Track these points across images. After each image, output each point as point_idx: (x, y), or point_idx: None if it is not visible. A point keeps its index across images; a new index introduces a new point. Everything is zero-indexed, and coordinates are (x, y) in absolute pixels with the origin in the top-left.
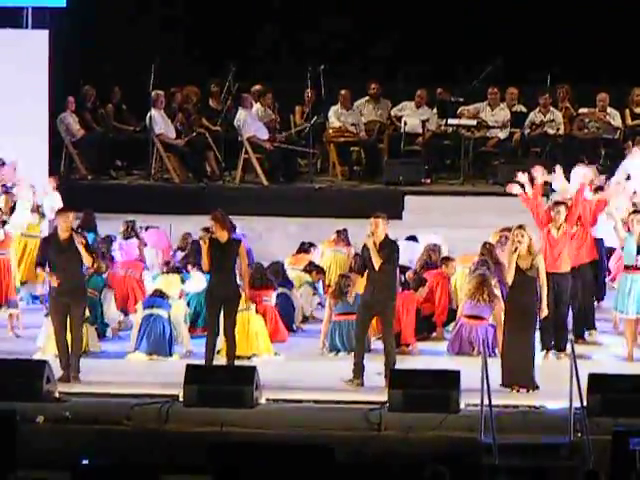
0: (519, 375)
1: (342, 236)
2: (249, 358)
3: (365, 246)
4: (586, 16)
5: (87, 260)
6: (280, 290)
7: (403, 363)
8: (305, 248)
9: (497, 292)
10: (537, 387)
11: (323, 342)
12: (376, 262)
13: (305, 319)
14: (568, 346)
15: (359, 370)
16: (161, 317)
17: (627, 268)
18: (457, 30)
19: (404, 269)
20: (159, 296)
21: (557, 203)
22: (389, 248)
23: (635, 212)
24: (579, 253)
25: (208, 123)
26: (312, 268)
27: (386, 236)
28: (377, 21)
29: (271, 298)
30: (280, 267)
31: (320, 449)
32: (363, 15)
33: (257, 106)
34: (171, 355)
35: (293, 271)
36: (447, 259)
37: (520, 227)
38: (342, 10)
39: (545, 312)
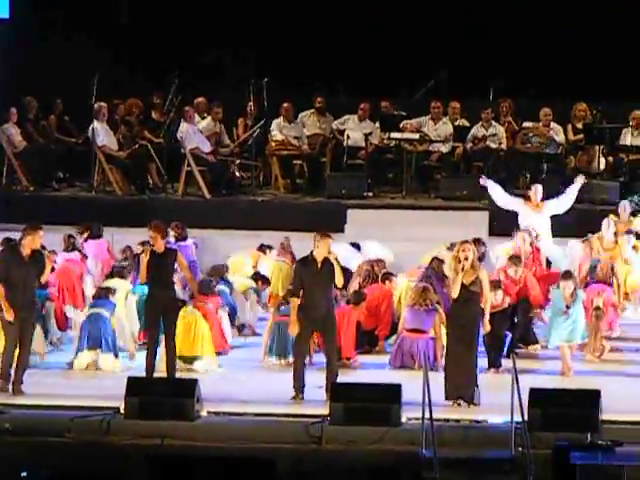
0: (461, 389)
1: (286, 247)
2: (192, 360)
3: (302, 264)
4: (530, 31)
5: (45, 277)
6: (220, 288)
7: (345, 376)
8: (263, 248)
9: (437, 303)
10: (478, 402)
11: (265, 353)
12: (339, 281)
13: (243, 327)
14: (509, 361)
15: (299, 386)
16: (102, 316)
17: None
18: (401, 43)
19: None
20: (104, 296)
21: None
22: (330, 266)
23: (565, 278)
24: None
25: (150, 135)
26: (258, 277)
27: (326, 255)
28: (321, 34)
29: (214, 304)
30: (222, 268)
31: (261, 462)
32: (306, 28)
33: (208, 119)
34: (116, 355)
35: (239, 278)
36: (389, 274)
37: (465, 242)
38: (285, 24)
39: (488, 327)
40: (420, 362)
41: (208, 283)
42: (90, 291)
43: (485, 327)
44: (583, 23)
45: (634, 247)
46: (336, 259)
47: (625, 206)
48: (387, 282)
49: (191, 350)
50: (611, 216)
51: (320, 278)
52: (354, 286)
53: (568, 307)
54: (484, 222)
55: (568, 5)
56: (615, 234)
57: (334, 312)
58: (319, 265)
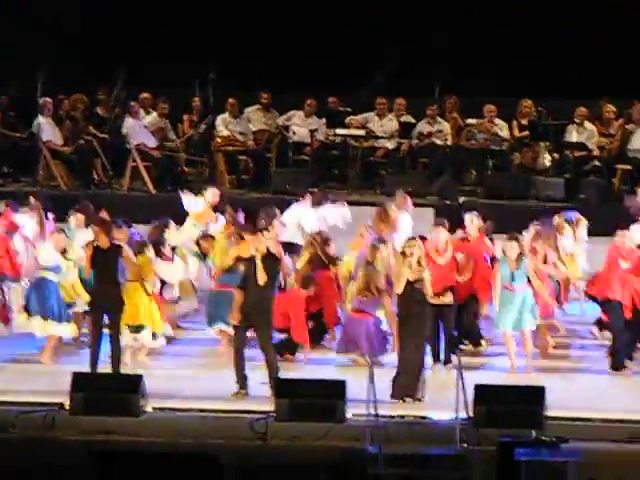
0: (407, 389)
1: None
2: (137, 328)
3: (247, 259)
4: (475, 28)
5: None
6: None
7: (291, 372)
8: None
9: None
10: (422, 398)
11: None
12: (261, 278)
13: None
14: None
15: (242, 381)
16: (50, 280)
17: (505, 287)
18: (347, 40)
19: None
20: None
21: None
22: (272, 262)
23: (510, 238)
24: None
25: (95, 130)
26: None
27: (268, 249)
28: (267, 30)
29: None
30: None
31: (206, 458)
32: (252, 24)
33: (153, 115)
34: (60, 321)
35: (182, 246)
36: (335, 259)
37: (412, 239)
38: (231, 19)
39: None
40: (363, 349)
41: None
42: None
43: None
44: (529, 20)
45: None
46: (264, 257)
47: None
48: (332, 267)
49: (135, 319)
50: None
51: (254, 274)
52: (299, 265)
53: (514, 278)
54: (429, 218)
55: (513, 2)
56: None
57: (268, 308)
58: (262, 263)
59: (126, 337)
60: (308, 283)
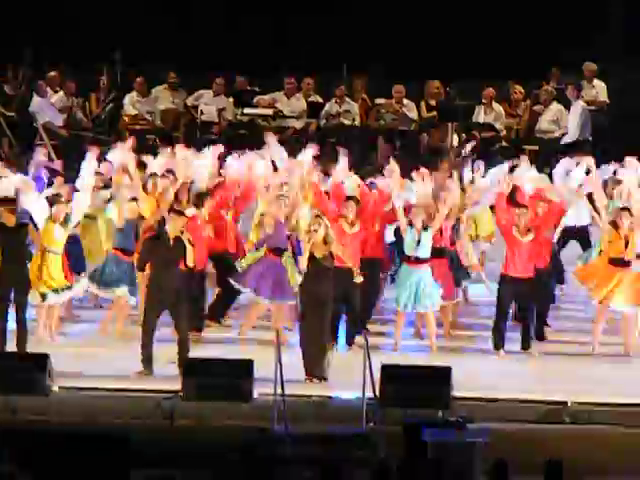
0: (313, 365)
1: None
2: (43, 296)
3: (154, 239)
4: (385, 8)
5: None
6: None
7: (199, 351)
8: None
9: None
10: (327, 377)
11: None
12: (169, 258)
13: None
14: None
15: (147, 360)
16: None
17: (407, 259)
18: (256, 19)
19: None
20: None
21: None
22: (181, 244)
23: (415, 205)
24: None
25: (3, 109)
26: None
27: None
28: (176, 8)
29: None
30: None
31: (114, 438)
32: (162, 2)
33: (60, 94)
34: None
35: None
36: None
37: (317, 216)
38: None
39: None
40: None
41: None
42: None
43: None
44: (437, 2)
45: None
46: (189, 239)
47: None
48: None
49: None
50: None
51: (170, 256)
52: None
53: (419, 241)
54: None
55: None
56: None
57: (181, 287)
58: (171, 242)
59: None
60: None
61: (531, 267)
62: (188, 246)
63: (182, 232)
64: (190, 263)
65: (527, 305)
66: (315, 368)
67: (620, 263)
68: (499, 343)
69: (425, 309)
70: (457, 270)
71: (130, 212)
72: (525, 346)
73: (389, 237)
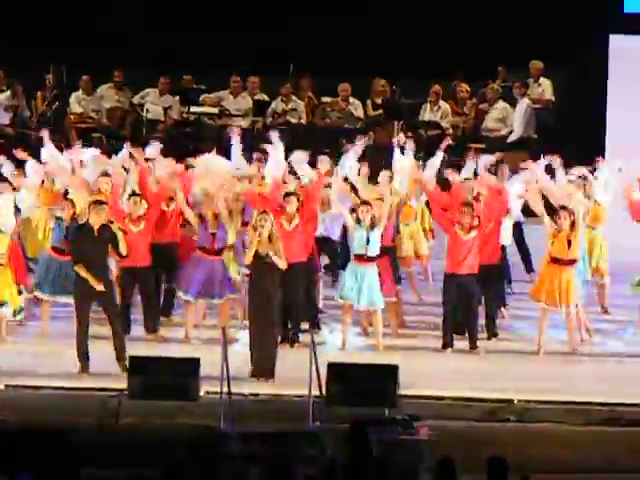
0: (260, 364)
1: None
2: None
3: (78, 230)
4: (332, 6)
5: None
6: None
7: (147, 349)
8: None
9: None
10: (272, 376)
11: None
12: (95, 248)
13: None
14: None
15: (82, 357)
16: None
17: (357, 258)
18: (203, 17)
19: None
20: None
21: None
22: (110, 234)
23: (363, 203)
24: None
25: None
26: None
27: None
28: (122, 7)
29: None
30: None
31: (57, 436)
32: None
33: (7, 93)
34: None
35: None
36: None
37: (264, 212)
38: None
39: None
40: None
41: None
42: None
43: None
44: None
45: None
46: (120, 228)
47: None
48: None
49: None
50: None
51: (96, 246)
52: None
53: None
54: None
55: None
56: None
57: (112, 281)
58: (95, 232)
59: None
60: None
61: (476, 264)
62: (119, 233)
63: (111, 222)
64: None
65: (471, 304)
66: (263, 367)
67: (562, 262)
68: (448, 342)
69: (372, 305)
70: (397, 267)
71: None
72: (472, 345)
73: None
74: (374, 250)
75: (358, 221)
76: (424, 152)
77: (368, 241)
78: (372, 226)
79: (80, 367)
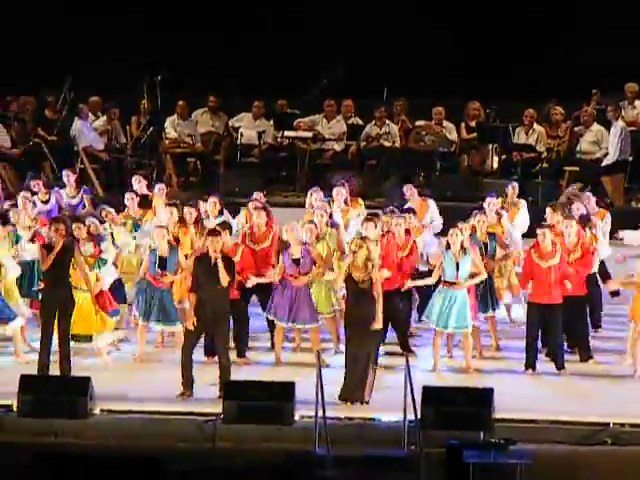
0: (354, 392)
1: None
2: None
3: (198, 260)
4: (421, 30)
5: None
6: None
7: (239, 374)
8: None
9: None
10: (369, 400)
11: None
12: (223, 279)
13: None
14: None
15: (187, 382)
16: None
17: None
18: (296, 42)
19: None
20: None
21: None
22: (230, 264)
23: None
24: None
25: (44, 133)
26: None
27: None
28: (215, 33)
29: None
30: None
31: (152, 461)
32: (202, 26)
33: (103, 118)
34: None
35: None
36: None
37: (361, 238)
38: (180, 21)
39: (379, 325)
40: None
41: None
42: None
43: (375, 324)
44: (478, 21)
45: None
46: (228, 257)
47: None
48: None
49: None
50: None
51: (212, 275)
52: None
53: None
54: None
55: (463, 3)
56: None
57: (225, 310)
58: (212, 262)
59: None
60: None
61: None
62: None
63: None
64: (223, 282)
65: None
66: (355, 391)
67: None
68: (531, 363)
69: (463, 328)
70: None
71: None
72: (559, 366)
73: None
74: (462, 275)
75: (448, 246)
76: (520, 175)
77: (457, 268)
78: (463, 252)
79: (183, 392)
